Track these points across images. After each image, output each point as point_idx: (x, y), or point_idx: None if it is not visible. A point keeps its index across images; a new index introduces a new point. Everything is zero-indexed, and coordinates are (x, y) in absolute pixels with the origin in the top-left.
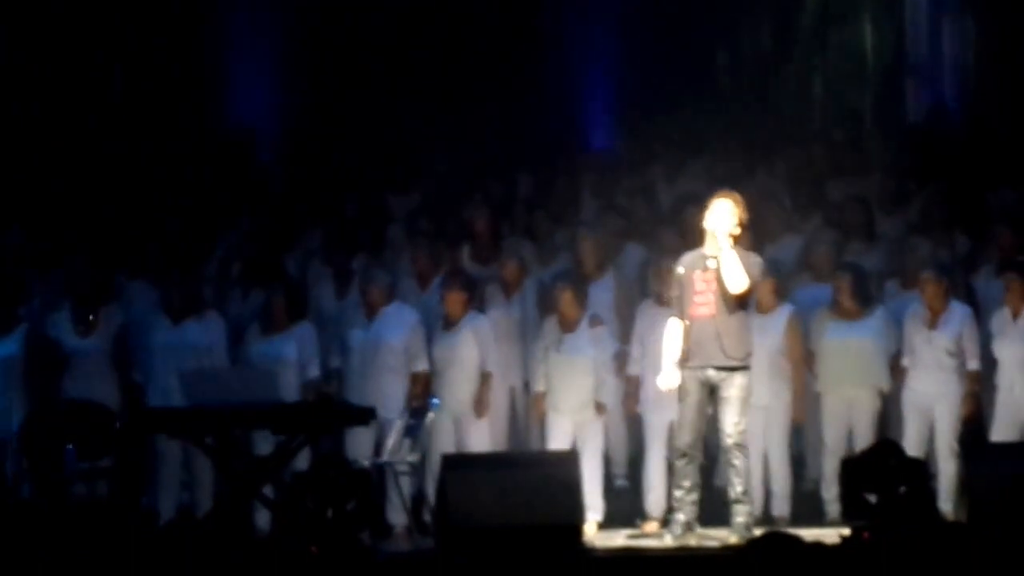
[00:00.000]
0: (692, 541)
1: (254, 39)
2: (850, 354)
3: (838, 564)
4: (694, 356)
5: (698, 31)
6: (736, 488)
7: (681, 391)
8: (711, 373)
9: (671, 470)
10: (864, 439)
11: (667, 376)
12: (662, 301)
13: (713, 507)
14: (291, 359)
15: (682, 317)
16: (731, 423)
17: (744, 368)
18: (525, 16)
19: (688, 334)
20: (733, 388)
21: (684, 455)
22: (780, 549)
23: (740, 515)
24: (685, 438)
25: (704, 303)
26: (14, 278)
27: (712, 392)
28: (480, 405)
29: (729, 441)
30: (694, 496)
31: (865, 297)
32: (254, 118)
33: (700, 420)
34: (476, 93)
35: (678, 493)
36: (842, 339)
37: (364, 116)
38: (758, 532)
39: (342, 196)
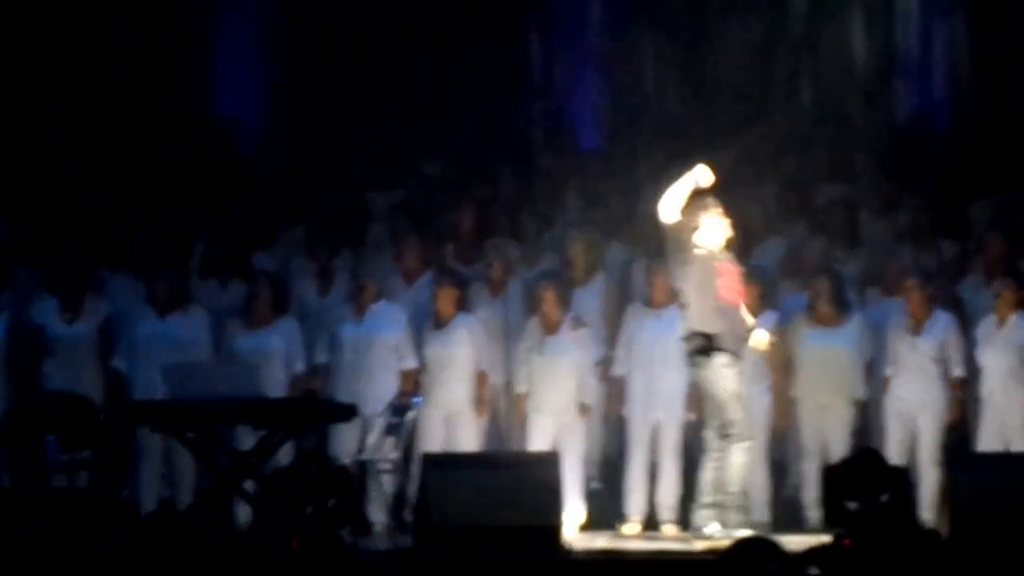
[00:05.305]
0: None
1: (239, 33)
2: (826, 362)
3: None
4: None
5: (686, 32)
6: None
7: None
8: None
9: (653, 473)
10: (839, 446)
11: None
12: (650, 303)
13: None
14: (278, 353)
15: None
16: None
17: None
18: (513, 14)
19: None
20: None
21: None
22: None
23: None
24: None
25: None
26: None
27: None
28: (480, 404)
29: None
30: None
31: (842, 304)
32: (238, 111)
33: None
34: (462, 92)
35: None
36: (818, 346)
37: (349, 112)
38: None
39: (325, 191)
